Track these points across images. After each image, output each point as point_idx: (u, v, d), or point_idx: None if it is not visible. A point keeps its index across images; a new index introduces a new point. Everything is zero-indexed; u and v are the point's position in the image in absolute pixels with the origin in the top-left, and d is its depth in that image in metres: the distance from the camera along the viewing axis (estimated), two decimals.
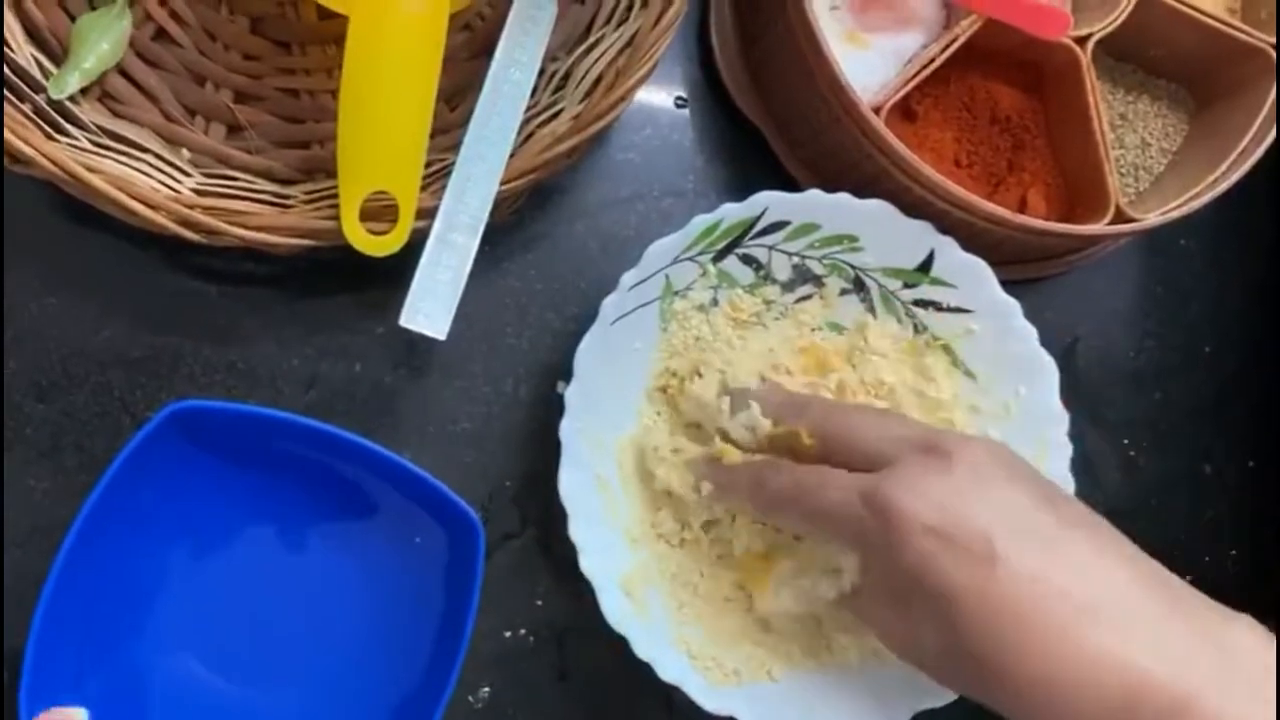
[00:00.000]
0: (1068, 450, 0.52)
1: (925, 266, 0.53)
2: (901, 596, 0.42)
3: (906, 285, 0.54)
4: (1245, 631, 0.39)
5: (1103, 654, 0.38)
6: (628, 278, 0.49)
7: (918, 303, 0.54)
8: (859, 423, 0.46)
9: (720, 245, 0.51)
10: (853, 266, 0.53)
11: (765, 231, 0.52)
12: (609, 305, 0.49)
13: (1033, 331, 0.53)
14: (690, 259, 0.51)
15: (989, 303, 0.53)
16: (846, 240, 0.53)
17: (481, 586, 0.47)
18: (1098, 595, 0.39)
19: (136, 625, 0.48)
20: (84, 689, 0.46)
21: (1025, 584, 0.39)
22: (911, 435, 0.44)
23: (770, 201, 0.51)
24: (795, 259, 0.53)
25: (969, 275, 0.53)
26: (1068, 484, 0.52)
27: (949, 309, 0.53)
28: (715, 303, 0.53)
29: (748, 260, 0.53)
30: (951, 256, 0.53)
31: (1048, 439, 0.52)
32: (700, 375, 0.51)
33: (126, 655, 0.48)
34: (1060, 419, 0.52)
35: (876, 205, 0.52)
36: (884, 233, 0.52)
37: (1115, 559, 0.41)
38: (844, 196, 0.51)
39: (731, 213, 0.50)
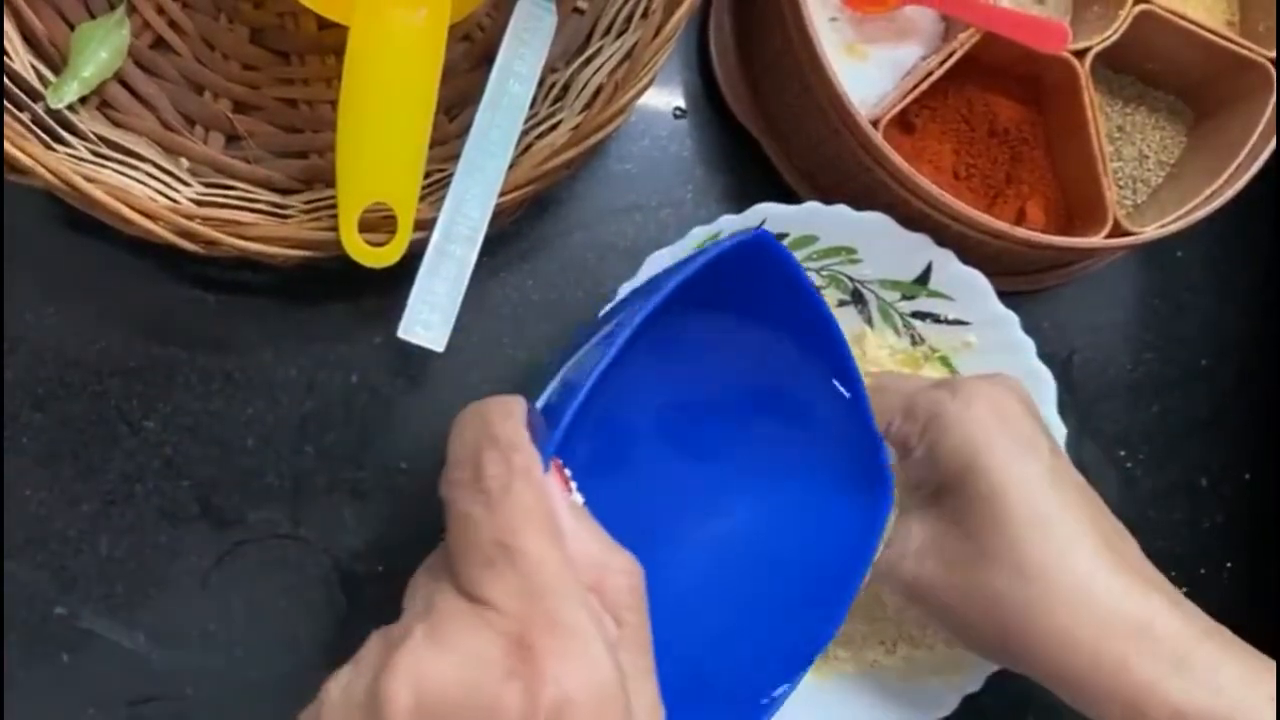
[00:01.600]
0: None
1: (923, 279, 0.53)
2: (941, 449, 0.44)
3: (904, 297, 0.54)
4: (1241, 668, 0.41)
5: (1124, 585, 0.40)
6: (625, 289, 0.49)
7: (916, 315, 0.54)
8: (899, 381, 0.48)
9: None
10: (851, 278, 0.53)
11: None
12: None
13: (1030, 344, 0.53)
14: None
15: (987, 315, 0.53)
16: (844, 252, 0.53)
17: None
18: (1124, 547, 0.42)
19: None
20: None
21: (1057, 489, 0.42)
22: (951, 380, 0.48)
23: (768, 213, 0.51)
24: None
25: (967, 287, 0.53)
26: None
27: (947, 321, 0.54)
28: None
29: None
30: (949, 269, 0.53)
31: None
32: None
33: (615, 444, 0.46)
34: (1057, 431, 0.52)
35: (874, 217, 0.52)
36: (882, 245, 0.52)
37: (1128, 534, 0.45)
38: (842, 208, 0.51)
39: (730, 224, 0.50)
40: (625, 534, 0.35)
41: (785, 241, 0.52)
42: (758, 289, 0.43)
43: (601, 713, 0.28)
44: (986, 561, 0.42)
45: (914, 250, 0.53)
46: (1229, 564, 0.64)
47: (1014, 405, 0.45)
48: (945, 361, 0.54)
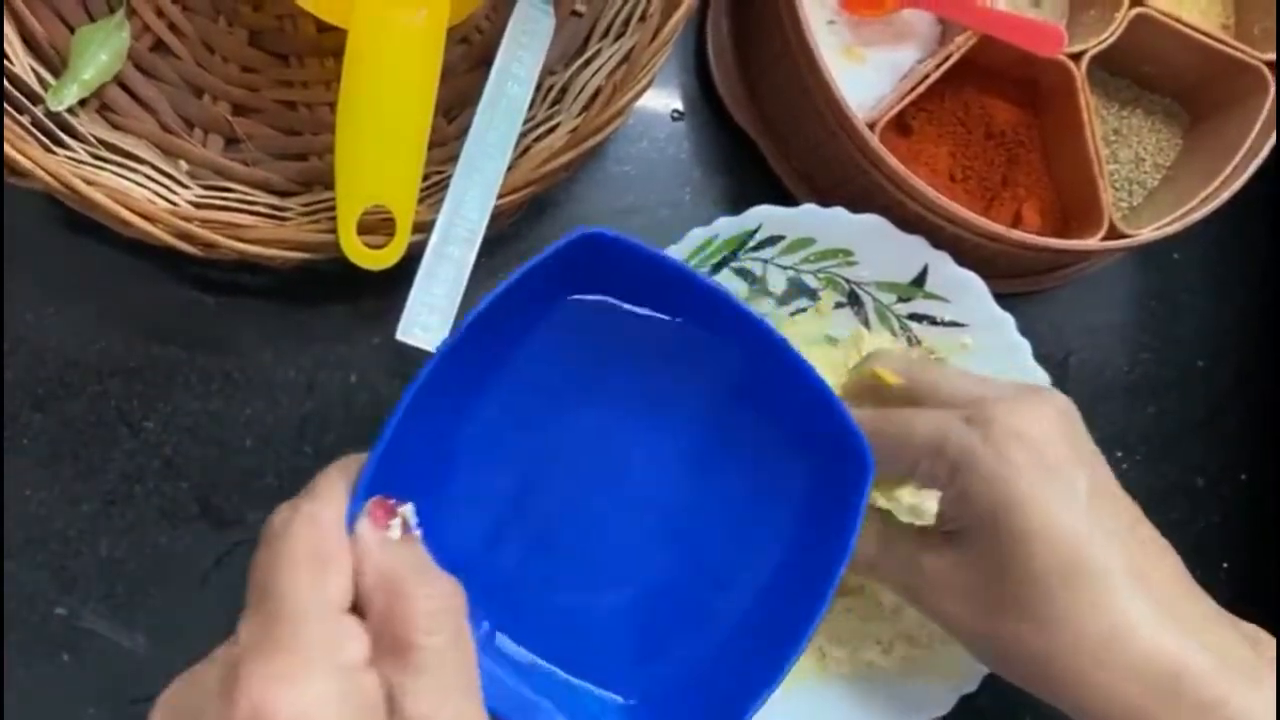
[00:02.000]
0: None
1: (919, 281, 0.53)
2: (977, 499, 0.42)
3: (901, 299, 0.54)
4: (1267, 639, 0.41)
5: (1155, 632, 0.39)
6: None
7: (912, 317, 0.54)
8: (946, 371, 0.47)
9: (716, 259, 0.52)
10: (847, 280, 0.54)
11: (761, 245, 0.52)
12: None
13: (1027, 346, 0.53)
14: None
15: (983, 317, 0.53)
16: (841, 254, 0.53)
17: None
18: (1160, 577, 0.41)
19: (475, 468, 0.43)
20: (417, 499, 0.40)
21: (1100, 539, 0.40)
22: (998, 381, 0.45)
23: (766, 216, 0.51)
24: (790, 273, 0.53)
25: (963, 290, 0.53)
26: None
27: (943, 323, 0.54)
28: None
29: (743, 274, 0.53)
30: (945, 271, 0.53)
31: None
32: None
33: (458, 491, 0.43)
34: None
35: (871, 220, 0.52)
36: (878, 247, 0.53)
37: (1169, 552, 0.43)
38: (839, 211, 0.52)
39: (727, 227, 0.50)
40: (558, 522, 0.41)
41: (782, 244, 0.52)
42: (634, 284, 0.42)
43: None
44: (1014, 608, 0.41)
45: (910, 252, 0.53)
46: (1226, 564, 0.64)
47: (1053, 437, 0.42)
48: (942, 363, 0.54)
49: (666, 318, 0.43)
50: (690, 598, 0.44)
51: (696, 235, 0.50)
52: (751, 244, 0.52)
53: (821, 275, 0.53)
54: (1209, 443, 0.65)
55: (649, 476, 0.44)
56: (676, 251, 0.50)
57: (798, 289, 0.54)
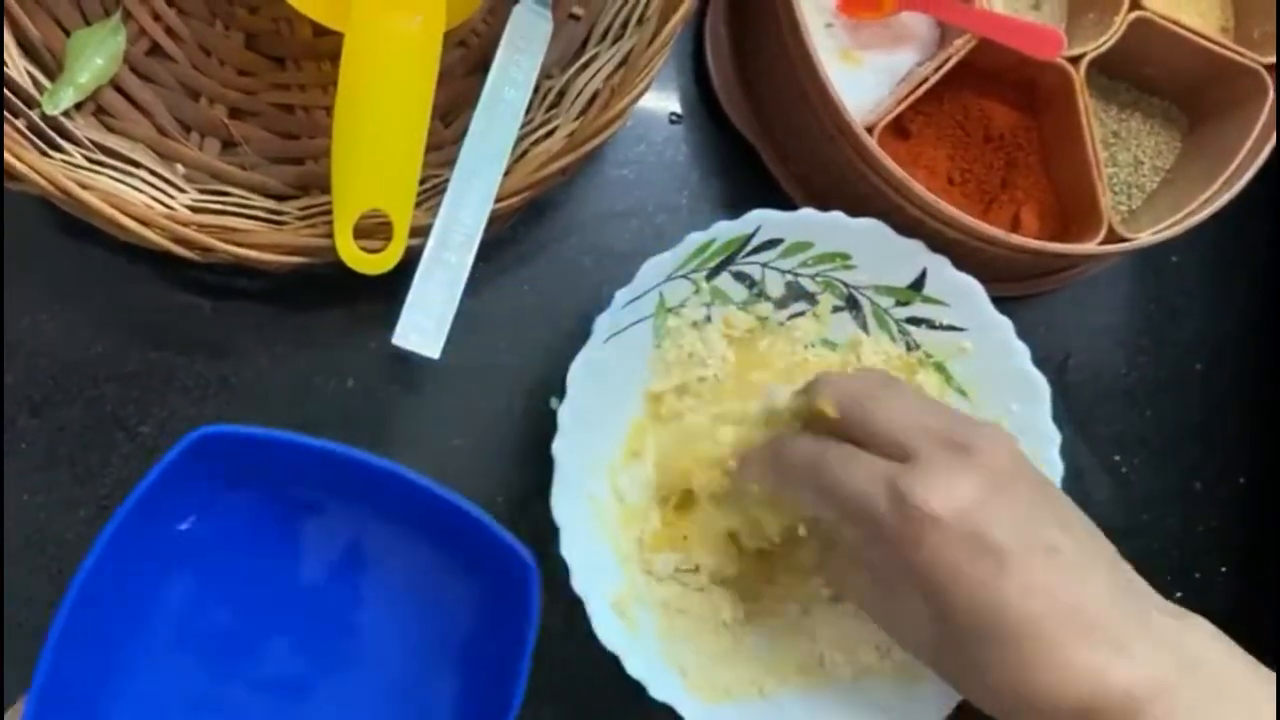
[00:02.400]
0: (1059, 469, 0.52)
1: (918, 285, 0.53)
2: (897, 584, 0.43)
3: (899, 303, 0.54)
4: (1203, 636, 0.41)
5: (1087, 668, 0.39)
6: (621, 295, 0.49)
7: (910, 320, 0.54)
8: (883, 405, 0.45)
9: (714, 262, 0.52)
10: (845, 284, 0.54)
11: (759, 249, 0.52)
12: (602, 322, 0.49)
13: (1025, 350, 0.53)
14: (684, 276, 0.51)
15: (982, 321, 0.53)
16: (839, 258, 0.53)
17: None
18: (1094, 614, 0.40)
19: (153, 656, 0.48)
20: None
21: (1031, 599, 0.40)
22: (935, 426, 0.44)
23: (764, 219, 0.51)
24: (789, 276, 0.53)
25: (961, 294, 0.53)
26: None
27: (941, 327, 0.54)
28: (709, 319, 0.53)
29: (741, 277, 0.53)
30: (944, 275, 0.53)
31: (1039, 458, 0.52)
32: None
33: (142, 686, 0.47)
34: (1052, 438, 0.52)
35: (869, 224, 0.52)
36: (877, 251, 0.52)
37: (1101, 568, 0.42)
38: (837, 215, 0.51)
39: (725, 230, 0.50)
40: None
41: (781, 247, 0.52)
42: (249, 467, 0.47)
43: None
44: (934, 652, 0.43)
45: (908, 256, 0.53)
46: (1223, 568, 0.64)
47: (968, 515, 0.41)
48: (940, 368, 0.54)
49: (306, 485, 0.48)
50: None
51: (694, 239, 0.50)
52: (750, 247, 0.52)
53: (820, 279, 0.53)
54: (1207, 445, 0.65)
55: (341, 630, 0.50)
56: (675, 256, 0.50)
57: (796, 293, 0.54)
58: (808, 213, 0.52)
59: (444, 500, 0.46)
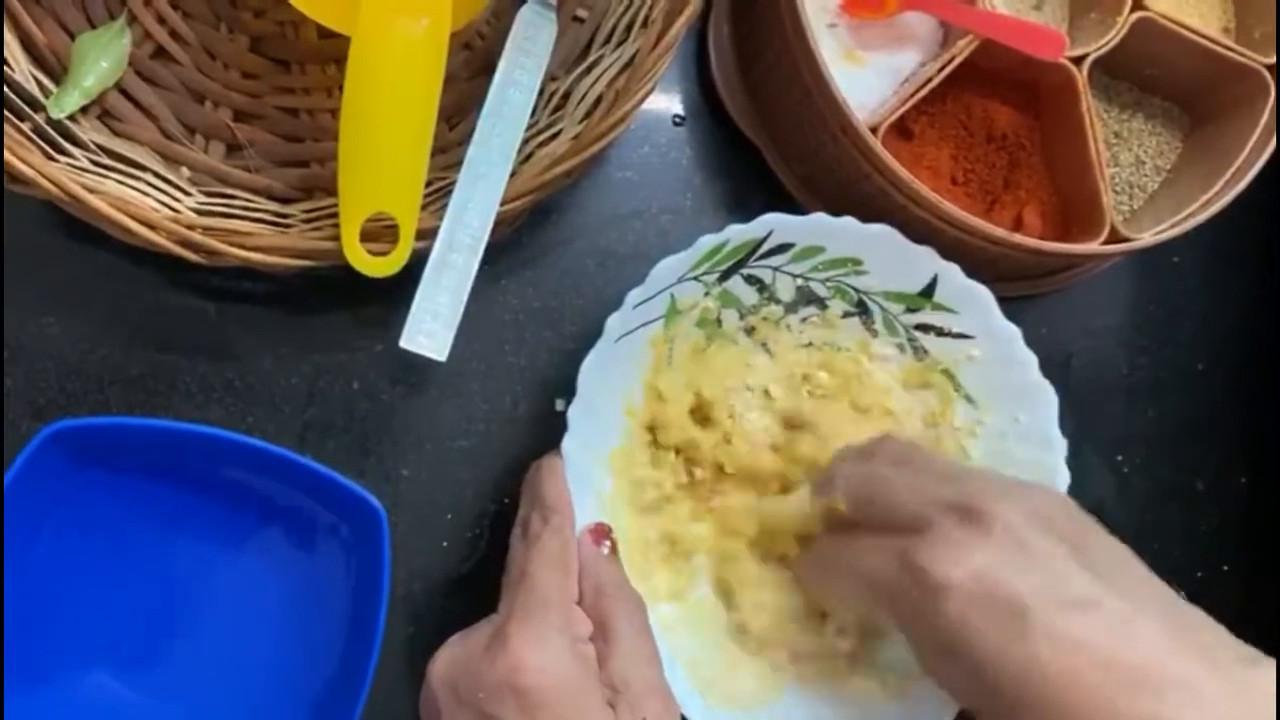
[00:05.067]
0: (1065, 477, 0.52)
1: (928, 291, 0.53)
2: (935, 657, 0.42)
3: (909, 310, 0.54)
4: (1271, 677, 0.39)
5: (1140, 717, 0.38)
6: (633, 295, 0.48)
7: (919, 327, 0.54)
8: (893, 485, 0.45)
9: (725, 265, 0.51)
10: (856, 290, 0.54)
11: (771, 253, 0.52)
12: (613, 323, 0.48)
13: (1033, 359, 0.53)
14: (695, 278, 0.51)
15: (990, 329, 0.53)
16: (850, 263, 0.53)
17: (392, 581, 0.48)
18: (1140, 662, 0.39)
19: (47, 648, 0.48)
20: None
21: (1065, 654, 0.39)
22: (946, 496, 0.43)
23: (776, 223, 0.51)
24: (799, 281, 0.53)
25: (971, 301, 0.53)
26: None
27: (951, 334, 0.54)
28: (719, 322, 0.53)
29: (752, 280, 0.53)
30: (954, 282, 0.53)
31: (1045, 466, 0.52)
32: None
33: (41, 677, 0.48)
34: (1058, 446, 0.52)
35: (881, 230, 0.52)
36: (888, 257, 0.52)
37: (1152, 614, 0.40)
38: (849, 221, 0.51)
39: (737, 233, 0.50)
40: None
41: (792, 251, 0.52)
42: (112, 455, 0.48)
43: (542, 678, 0.41)
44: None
45: (920, 263, 0.52)
46: (1225, 567, 0.64)
47: (986, 578, 0.40)
48: (948, 374, 0.54)
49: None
50: (263, 692, 0.50)
51: (706, 242, 0.50)
52: (761, 251, 0.52)
53: (830, 284, 0.53)
54: (1208, 445, 0.65)
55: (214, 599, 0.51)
56: (687, 258, 0.49)
57: (806, 297, 0.54)
58: (820, 217, 0.51)
59: (298, 464, 0.47)
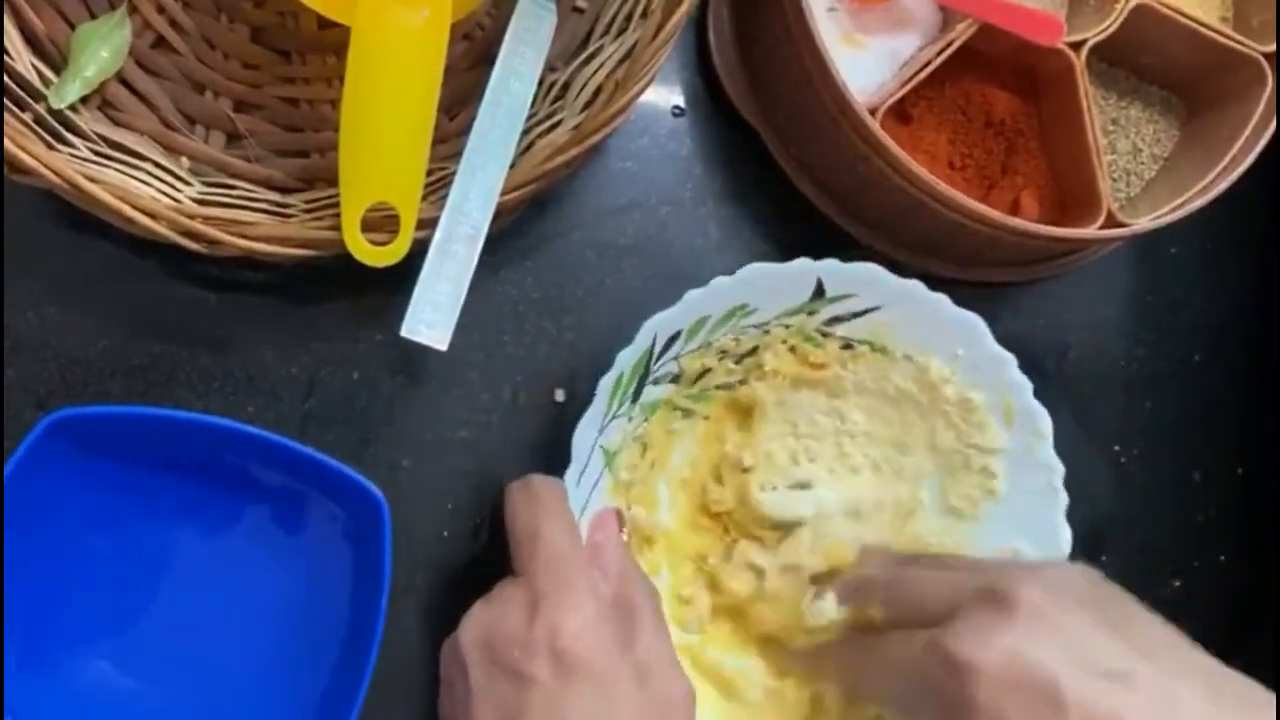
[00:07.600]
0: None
1: (818, 293, 0.53)
2: None
3: (809, 314, 0.53)
4: None
5: None
6: (570, 475, 0.49)
7: (829, 322, 0.54)
8: (921, 581, 0.46)
9: (632, 388, 0.51)
10: (753, 327, 0.53)
11: (664, 351, 0.51)
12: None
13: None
14: (614, 418, 0.51)
15: (890, 291, 0.52)
16: (738, 312, 0.52)
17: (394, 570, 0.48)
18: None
19: (47, 635, 0.48)
20: None
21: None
22: (972, 583, 0.43)
23: (655, 326, 0.50)
24: (701, 352, 0.53)
25: (861, 279, 0.52)
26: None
27: (859, 313, 0.53)
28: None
29: (659, 381, 0.52)
30: (838, 273, 0.52)
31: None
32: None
33: (41, 665, 0.48)
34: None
35: (749, 270, 0.51)
36: (767, 285, 0.52)
37: (1193, 681, 0.40)
38: (716, 281, 0.50)
39: (628, 357, 0.50)
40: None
41: (681, 339, 0.51)
42: (113, 445, 0.48)
43: (578, 641, 0.42)
44: None
45: (798, 275, 0.52)
46: (1222, 557, 0.64)
47: (1011, 662, 0.40)
48: (879, 349, 0.54)
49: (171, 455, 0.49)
50: (264, 682, 0.50)
51: (604, 385, 0.49)
52: (656, 356, 0.51)
53: (729, 337, 0.53)
54: (1205, 436, 0.65)
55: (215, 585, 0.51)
56: (595, 412, 0.49)
57: (713, 359, 0.53)
58: (690, 294, 0.50)
59: (299, 453, 0.48)
